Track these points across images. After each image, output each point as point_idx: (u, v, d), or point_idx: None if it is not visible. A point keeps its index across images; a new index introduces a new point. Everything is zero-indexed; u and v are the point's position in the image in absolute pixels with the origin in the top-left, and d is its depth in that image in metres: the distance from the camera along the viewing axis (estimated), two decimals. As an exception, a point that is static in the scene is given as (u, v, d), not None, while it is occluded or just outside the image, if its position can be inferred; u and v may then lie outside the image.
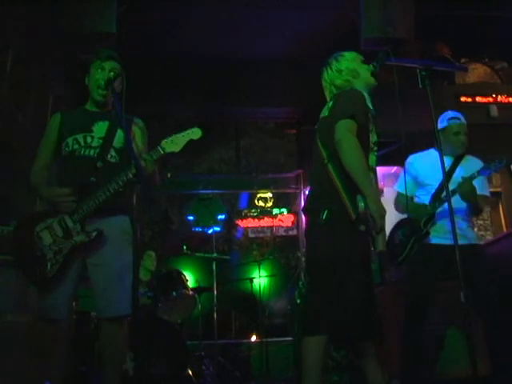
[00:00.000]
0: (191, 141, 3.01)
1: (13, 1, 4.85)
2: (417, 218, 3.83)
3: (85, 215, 2.92)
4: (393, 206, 4.16)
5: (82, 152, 3.07)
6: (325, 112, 3.16)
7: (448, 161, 3.87)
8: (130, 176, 2.81)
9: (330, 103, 3.14)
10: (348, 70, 3.19)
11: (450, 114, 4.04)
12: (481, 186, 3.84)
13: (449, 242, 3.52)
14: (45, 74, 5.44)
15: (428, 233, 3.73)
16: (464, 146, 3.96)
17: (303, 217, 3.49)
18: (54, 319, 2.91)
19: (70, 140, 3.09)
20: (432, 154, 3.99)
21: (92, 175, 2.99)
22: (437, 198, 3.79)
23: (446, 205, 3.66)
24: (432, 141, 4.08)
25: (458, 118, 3.99)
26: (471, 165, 3.92)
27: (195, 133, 3.02)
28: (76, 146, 3.08)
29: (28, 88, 5.17)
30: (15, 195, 4.45)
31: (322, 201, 2.98)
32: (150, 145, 3.28)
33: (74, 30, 4.99)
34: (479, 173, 3.70)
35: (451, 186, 3.69)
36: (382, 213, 2.79)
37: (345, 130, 2.87)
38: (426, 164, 3.92)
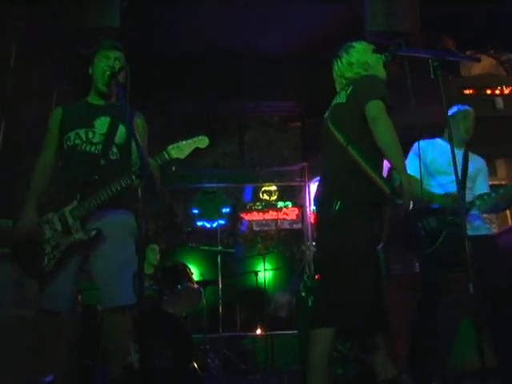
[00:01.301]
0: (197, 148, 3.01)
1: (13, 1, 4.84)
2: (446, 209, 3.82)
3: (86, 213, 2.91)
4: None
5: (84, 147, 3.05)
6: (342, 98, 3.13)
7: (456, 151, 3.88)
8: (134, 179, 2.80)
9: (349, 89, 3.12)
10: (359, 62, 3.18)
11: (462, 105, 4.08)
12: (485, 184, 3.87)
13: (473, 232, 3.57)
14: (48, 72, 5.44)
15: (460, 225, 3.72)
16: (470, 132, 3.98)
17: (308, 210, 3.48)
18: (54, 311, 2.90)
19: (71, 134, 3.07)
20: (439, 143, 3.99)
21: (95, 173, 2.96)
22: (464, 192, 3.79)
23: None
24: (439, 134, 4.08)
25: (469, 107, 4.03)
26: (477, 162, 3.97)
27: (202, 141, 3.01)
28: (78, 141, 3.05)
29: (31, 85, 5.17)
30: (18, 191, 4.45)
31: (335, 190, 2.97)
32: (153, 141, 3.28)
33: (77, 26, 4.98)
34: None
35: (469, 182, 3.79)
36: (412, 191, 2.82)
37: (379, 109, 2.88)
38: (438, 150, 3.91)
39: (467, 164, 3.91)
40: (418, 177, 3.91)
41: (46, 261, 2.88)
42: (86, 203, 2.90)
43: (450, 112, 4.01)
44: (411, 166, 4.05)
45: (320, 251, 3.19)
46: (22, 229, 2.95)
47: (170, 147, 2.95)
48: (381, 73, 3.19)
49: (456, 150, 3.87)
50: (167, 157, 2.94)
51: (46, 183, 3.11)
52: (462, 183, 3.79)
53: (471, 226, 3.71)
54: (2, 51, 4.84)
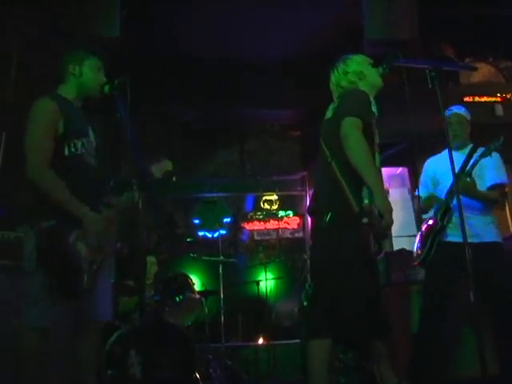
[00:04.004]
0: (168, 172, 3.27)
1: (13, 1, 4.86)
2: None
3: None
4: (398, 207, 4.18)
5: (88, 159, 3.04)
6: (328, 113, 3.18)
7: (455, 156, 3.90)
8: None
9: (335, 104, 3.16)
10: (354, 72, 3.22)
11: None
12: (491, 176, 3.85)
13: (475, 239, 3.56)
14: (48, 76, 5.45)
15: (443, 227, 3.73)
16: (458, 136, 3.98)
17: (309, 219, 3.52)
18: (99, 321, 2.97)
19: (78, 142, 2.97)
20: (445, 154, 4.02)
21: (102, 185, 3.03)
22: (451, 193, 3.79)
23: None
24: (438, 141, 4.10)
25: (450, 110, 4.03)
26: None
27: (168, 165, 3.30)
28: (84, 151, 3.00)
29: (32, 91, 5.18)
30: (19, 200, 4.44)
31: (325, 202, 3.00)
32: (155, 150, 3.36)
33: (77, 32, 4.99)
34: (473, 166, 3.72)
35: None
36: (390, 208, 2.80)
37: (350, 126, 2.88)
38: (441, 163, 3.94)
39: (467, 165, 3.89)
40: (425, 195, 4.00)
41: (85, 279, 2.78)
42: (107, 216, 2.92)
43: None
44: (421, 187, 4.14)
45: (313, 260, 3.22)
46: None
47: (153, 167, 3.20)
48: (377, 83, 3.22)
49: (459, 154, 3.92)
50: (156, 176, 3.18)
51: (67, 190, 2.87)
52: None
53: (473, 231, 3.71)
54: (2, 52, 4.84)
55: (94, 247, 2.84)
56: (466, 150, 3.98)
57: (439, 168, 3.96)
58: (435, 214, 3.84)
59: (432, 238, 3.79)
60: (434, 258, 3.77)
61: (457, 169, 3.82)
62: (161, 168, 3.24)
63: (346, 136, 2.87)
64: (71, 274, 2.76)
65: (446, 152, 4.07)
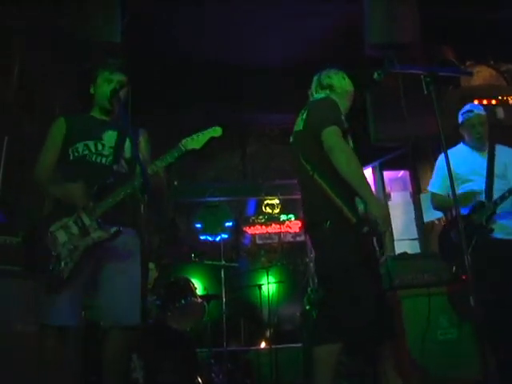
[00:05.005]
0: (212, 138, 3.06)
1: (13, 1, 4.87)
2: (473, 214, 3.81)
3: (102, 213, 2.89)
4: (400, 210, 4.16)
5: (94, 158, 3.07)
6: (299, 125, 3.19)
7: (476, 156, 3.91)
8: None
9: (304, 114, 3.17)
10: (327, 85, 3.28)
11: (465, 108, 4.08)
12: None
13: (506, 235, 3.58)
14: (50, 83, 5.46)
15: (492, 229, 3.73)
16: (483, 137, 3.99)
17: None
18: (61, 326, 2.86)
19: (79, 145, 3.07)
20: (462, 149, 4.03)
21: (109, 177, 2.98)
22: (491, 194, 3.78)
23: (506, 202, 3.71)
24: (438, 145, 4.09)
25: (471, 111, 4.03)
26: (505, 156, 3.93)
27: (216, 131, 3.09)
28: (86, 152, 3.07)
29: (34, 97, 5.19)
30: (22, 206, 4.45)
31: (321, 212, 2.99)
32: (155, 155, 3.31)
33: (77, 35, 4.99)
34: None
35: (500, 182, 3.78)
36: (385, 213, 2.80)
37: (334, 136, 2.89)
38: (460, 160, 3.93)
39: (493, 166, 3.90)
40: (441, 193, 3.96)
41: (62, 265, 2.79)
42: (102, 203, 2.88)
43: (459, 120, 4.05)
44: (434, 184, 4.10)
45: (319, 270, 3.22)
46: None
47: (184, 140, 2.99)
48: (346, 93, 3.26)
49: (479, 156, 3.93)
50: (183, 149, 2.97)
51: (53, 179, 3.05)
52: (489, 187, 3.80)
53: (505, 228, 3.73)
54: (2, 52, 4.85)
55: (76, 234, 2.85)
56: (485, 152, 3.97)
57: (460, 166, 3.92)
58: (477, 214, 3.80)
59: (477, 238, 3.77)
60: (483, 256, 3.72)
61: (482, 170, 3.85)
62: (204, 134, 3.05)
63: (331, 149, 2.87)
64: (47, 262, 2.80)
65: (462, 148, 4.06)
